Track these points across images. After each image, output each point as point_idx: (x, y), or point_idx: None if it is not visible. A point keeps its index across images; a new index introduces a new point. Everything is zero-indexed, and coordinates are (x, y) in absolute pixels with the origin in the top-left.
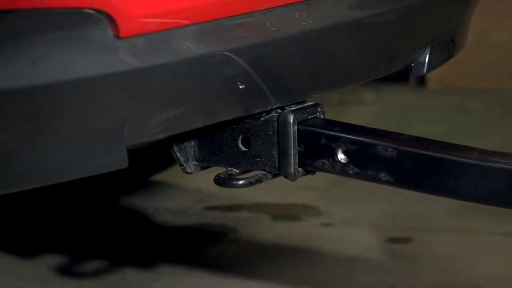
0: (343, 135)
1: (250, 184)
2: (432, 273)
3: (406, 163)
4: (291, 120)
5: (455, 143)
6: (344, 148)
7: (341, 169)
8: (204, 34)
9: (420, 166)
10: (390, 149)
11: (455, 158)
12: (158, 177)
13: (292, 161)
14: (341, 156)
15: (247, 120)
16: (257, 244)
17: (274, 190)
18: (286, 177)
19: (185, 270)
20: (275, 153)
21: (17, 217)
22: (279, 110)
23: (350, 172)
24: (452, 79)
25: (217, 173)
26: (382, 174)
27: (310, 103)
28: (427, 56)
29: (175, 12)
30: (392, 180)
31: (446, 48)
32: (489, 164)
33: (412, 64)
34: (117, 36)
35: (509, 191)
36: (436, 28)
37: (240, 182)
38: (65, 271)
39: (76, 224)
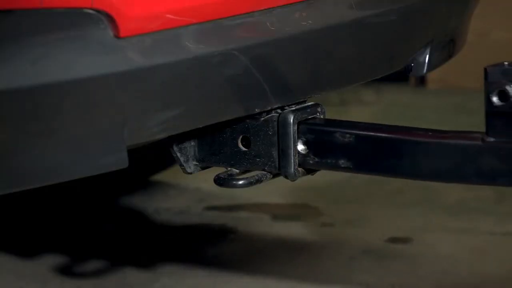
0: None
1: (250, 184)
2: (432, 273)
3: (363, 148)
4: (291, 120)
5: (409, 126)
6: (304, 139)
7: (302, 160)
8: (204, 34)
9: (377, 150)
10: (348, 135)
11: (411, 138)
12: (158, 177)
13: (292, 161)
14: (300, 147)
15: (247, 120)
16: (257, 244)
17: (274, 190)
18: (286, 177)
19: (185, 270)
20: (275, 153)
21: (17, 217)
22: (279, 110)
23: (311, 161)
24: (452, 79)
25: (217, 173)
26: (342, 161)
27: (310, 103)
28: (427, 56)
29: (175, 12)
30: (351, 166)
31: (446, 48)
32: (446, 141)
33: (412, 64)
34: (117, 36)
35: (462, 167)
36: (436, 28)
37: (240, 182)
38: (65, 271)
39: (76, 224)
